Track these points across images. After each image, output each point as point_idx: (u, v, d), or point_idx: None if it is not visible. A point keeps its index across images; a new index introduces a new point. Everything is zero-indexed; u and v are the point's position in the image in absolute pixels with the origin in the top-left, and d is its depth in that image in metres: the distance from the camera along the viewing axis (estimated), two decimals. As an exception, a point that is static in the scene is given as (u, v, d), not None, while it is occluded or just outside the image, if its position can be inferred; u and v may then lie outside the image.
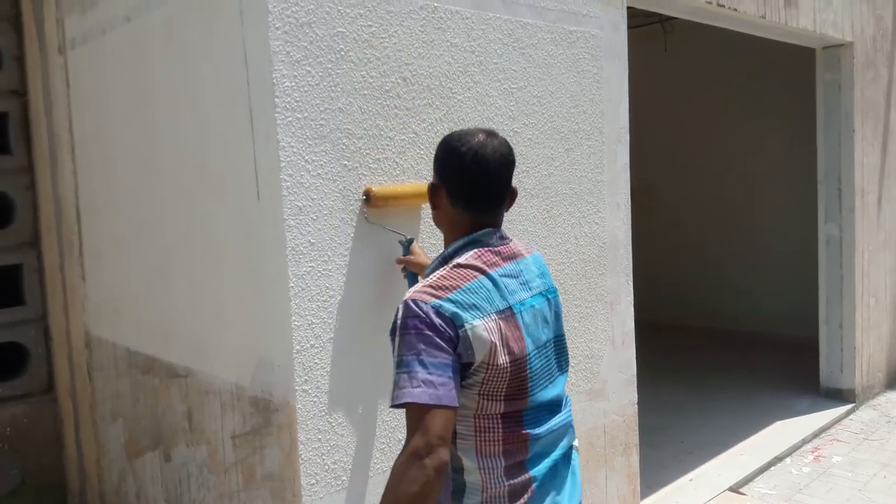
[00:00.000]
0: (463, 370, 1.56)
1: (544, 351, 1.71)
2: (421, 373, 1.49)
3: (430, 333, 1.51)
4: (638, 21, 6.98)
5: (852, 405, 5.37)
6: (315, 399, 2.37)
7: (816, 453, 4.63)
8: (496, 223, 1.74)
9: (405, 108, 2.57)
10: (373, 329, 2.51)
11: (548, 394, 1.70)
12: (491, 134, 1.71)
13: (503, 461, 1.62)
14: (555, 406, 1.73)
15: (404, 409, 1.52)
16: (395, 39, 2.54)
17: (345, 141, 2.42)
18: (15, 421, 3.69)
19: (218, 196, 2.57)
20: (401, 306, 1.58)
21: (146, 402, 3.13)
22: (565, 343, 1.81)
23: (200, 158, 2.63)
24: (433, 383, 1.48)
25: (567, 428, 1.76)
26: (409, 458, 1.45)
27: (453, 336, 1.53)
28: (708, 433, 4.91)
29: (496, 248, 1.69)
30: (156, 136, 2.87)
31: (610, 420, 3.45)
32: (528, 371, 1.64)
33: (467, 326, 1.54)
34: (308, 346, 2.34)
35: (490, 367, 1.58)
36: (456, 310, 1.55)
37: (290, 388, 2.33)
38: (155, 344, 3.04)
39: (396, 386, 1.51)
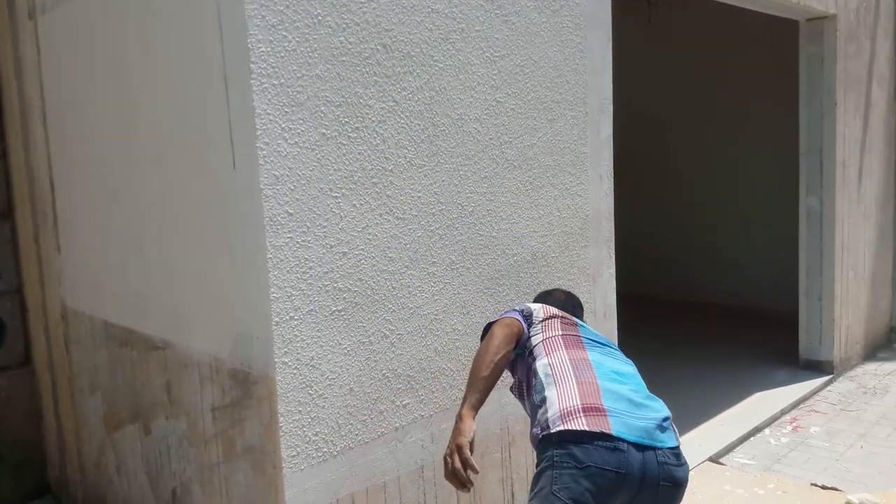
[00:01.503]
0: (531, 325, 2.35)
1: (596, 338, 2.39)
2: (503, 317, 2.38)
3: (510, 311, 2.44)
4: (622, -8, 6.90)
5: (830, 377, 5.43)
6: (295, 371, 2.34)
7: (795, 424, 4.69)
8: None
9: (385, 76, 2.52)
10: (353, 300, 2.49)
11: (603, 360, 2.25)
12: None
13: (578, 397, 2.05)
14: (629, 379, 2.23)
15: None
16: (375, 4, 2.48)
17: (323, 108, 2.37)
18: (-9, 395, 3.65)
19: (193, 165, 2.51)
20: None
21: (124, 374, 3.10)
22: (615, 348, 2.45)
23: (175, 126, 2.57)
24: (504, 315, 2.40)
25: (660, 421, 2.09)
26: (496, 325, 2.31)
27: (523, 309, 2.39)
28: (688, 404, 4.94)
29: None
30: (129, 104, 2.80)
31: (591, 391, 3.46)
32: (580, 333, 2.35)
33: (529, 306, 2.42)
34: (287, 317, 2.31)
35: (547, 318, 2.35)
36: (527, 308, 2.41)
37: (269, 360, 2.31)
38: (132, 316, 3.00)
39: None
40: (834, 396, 5.16)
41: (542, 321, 2.31)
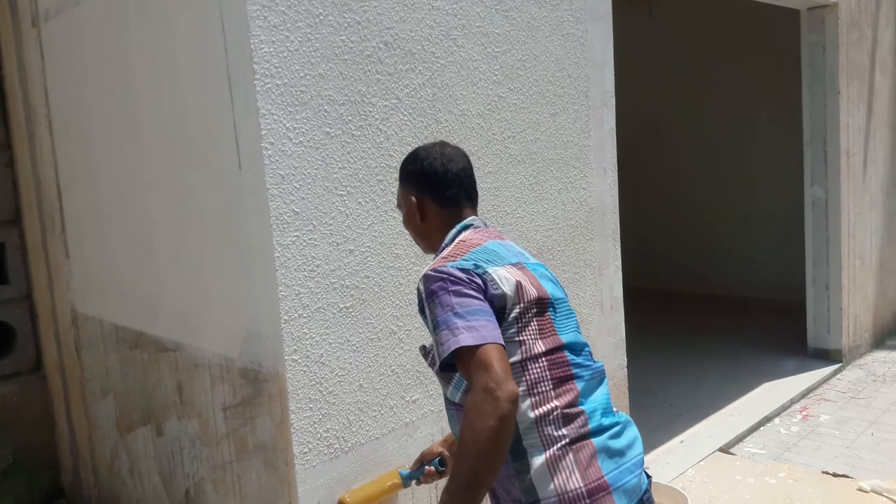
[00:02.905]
0: (498, 319, 1.58)
1: (564, 306, 1.73)
2: (459, 323, 1.51)
3: (457, 287, 1.56)
4: (622, -15, 6.90)
5: (839, 365, 5.42)
6: (305, 368, 2.36)
7: (804, 413, 4.69)
8: (476, 214, 1.86)
9: (387, 74, 2.54)
10: (360, 297, 2.50)
11: (574, 337, 1.70)
12: (444, 143, 1.88)
13: (558, 404, 1.60)
14: (587, 350, 1.73)
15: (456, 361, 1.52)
16: (375, 3, 2.49)
17: (326, 107, 2.38)
18: (4, 401, 3.68)
19: (199, 167, 2.53)
20: (420, 282, 1.62)
21: (136, 377, 3.12)
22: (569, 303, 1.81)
23: (180, 129, 2.59)
24: (474, 327, 1.51)
25: (603, 373, 1.76)
26: (481, 396, 1.44)
27: (480, 283, 1.58)
28: (697, 395, 4.95)
29: (486, 231, 1.79)
30: (134, 107, 2.82)
31: (600, 384, 3.46)
32: (549, 314, 1.66)
33: (490, 271, 1.61)
34: (296, 315, 2.33)
35: (522, 302, 1.61)
36: (475, 261, 1.62)
37: (279, 358, 2.33)
38: (142, 319, 3.02)
39: (439, 343, 1.53)
40: (843, 385, 5.15)
41: (515, 317, 1.61)
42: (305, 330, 2.36)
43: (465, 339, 1.48)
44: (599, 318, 3.46)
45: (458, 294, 1.55)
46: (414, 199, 1.83)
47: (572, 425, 1.59)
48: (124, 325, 3.15)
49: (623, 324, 3.61)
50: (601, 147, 3.42)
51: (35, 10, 3.35)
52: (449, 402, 1.72)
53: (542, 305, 1.65)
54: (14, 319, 3.75)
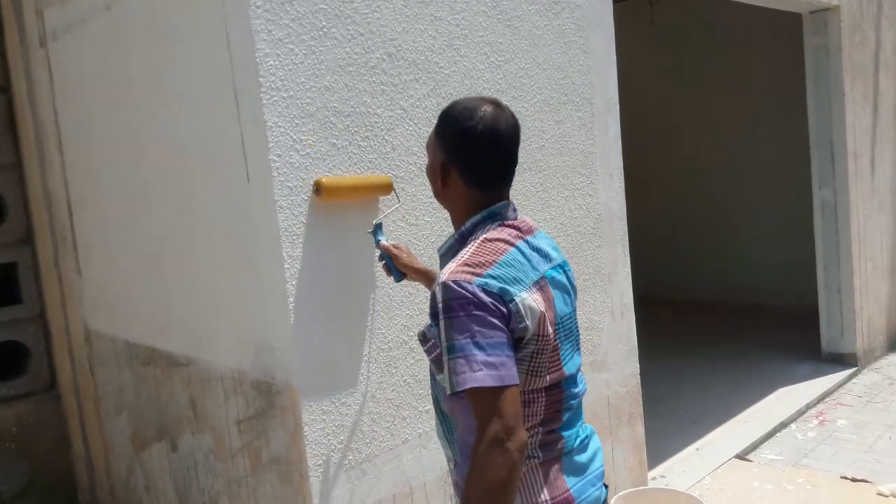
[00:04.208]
0: (514, 345, 1.51)
1: (568, 323, 1.68)
2: (479, 355, 1.43)
3: (480, 313, 1.45)
4: (624, -5, 6.93)
5: (854, 369, 5.38)
6: (317, 379, 2.36)
7: (821, 418, 4.65)
8: (507, 196, 1.68)
9: (392, 84, 2.55)
10: (371, 307, 2.50)
11: (575, 364, 1.68)
12: (497, 105, 1.63)
13: (541, 430, 1.60)
14: (579, 376, 1.72)
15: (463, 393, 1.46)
16: (378, 14, 2.52)
17: (332, 119, 2.40)
18: (20, 420, 3.69)
19: (208, 181, 2.55)
20: (439, 288, 1.50)
21: (149, 393, 3.13)
22: (576, 318, 1.77)
23: (187, 143, 2.61)
24: (494, 364, 1.43)
25: (584, 392, 1.74)
26: (491, 445, 1.40)
27: (505, 312, 1.47)
28: (712, 402, 4.92)
29: (515, 223, 1.63)
30: (141, 124, 2.85)
31: (613, 391, 3.45)
32: (558, 341, 1.60)
33: (517, 299, 1.49)
34: (307, 326, 2.33)
35: (541, 338, 1.53)
36: (502, 285, 1.48)
37: (290, 369, 2.33)
38: (154, 334, 3.04)
39: (454, 372, 1.44)
40: (859, 388, 5.11)
41: (530, 351, 1.55)
42: (317, 341, 2.36)
43: (484, 379, 1.41)
44: (610, 325, 3.45)
45: (481, 322, 1.44)
46: (440, 162, 1.65)
47: (548, 448, 1.60)
48: (136, 342, 3.17)
49: (634, 330, 3.60)
50: (607, 153, 3.43)
51: (43, 29, 3.39)
52: (437, 391, 1.67)
53: (555, 336, 1.58)
54: (28, 338, 3.77)
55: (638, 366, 3.60)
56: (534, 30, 3.06)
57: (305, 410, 2.33)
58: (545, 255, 1.64)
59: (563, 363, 1.61)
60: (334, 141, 2.40)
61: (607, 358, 3.43)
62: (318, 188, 2.32)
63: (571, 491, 1.59)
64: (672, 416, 4.71)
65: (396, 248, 2.28)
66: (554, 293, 1.61)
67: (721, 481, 3.83)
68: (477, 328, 1.44)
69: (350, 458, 2.46)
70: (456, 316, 1.45)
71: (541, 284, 1.57)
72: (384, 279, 2.53)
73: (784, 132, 6.99)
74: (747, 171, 7.45)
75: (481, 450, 1.40)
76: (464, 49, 2.79)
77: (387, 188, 2.48)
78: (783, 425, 4.54)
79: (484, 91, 2.85)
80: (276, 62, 2.25)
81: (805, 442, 4.29)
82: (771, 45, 6.95)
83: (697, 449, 4.24)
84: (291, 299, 2.30)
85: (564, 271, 1.70)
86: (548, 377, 1.58)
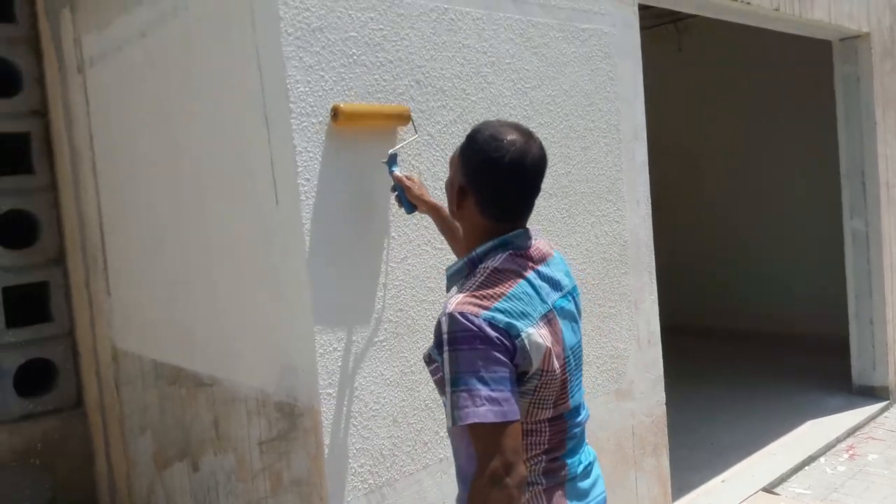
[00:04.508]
0: (518, 378, 1.50)
1: (576, 352, 1.66)
2: (483, 390, 1.42)
3: (485, 347, 1.44)
4: (650, 22, 6.96)
5: (886, 402, 5.26)
6: (339, 402, 2.36)
7: (851, 452, 4.54)
8: (524, 224, 1.65)
9: (419, 111, 2.58)
10: (394, 330, 2.51)
11: (581, 394, 1.68)
12: (526, 135, 1.59)
13: (545, 458, 1.60)
14: (582, 403, 1.72)
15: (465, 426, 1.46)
16: (407, 42, 2.55)
17: (361, 144, 2.42)
18: (45, 436, 3.74)
19: (237, 203, 2.59)
20: (445, 318, 1.48)
21: (173, 412, 3.15)
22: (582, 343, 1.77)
23: (218, 167, 2.66)
24: (497, 400, 1.42)
25: (585, 423, 1.74)
26: (490, 481, 1.40)
27: (510, 347, 1.46)
28: (738, 434, 4.83)
29: (528, 252, 1.61)
30: (174, 148, 2.90)
31: (638, 421, 3.41)
32: (567, 374, 1.59)
33: (523, 335, 1.48)
34: (331, 349, 2.34)
35: (545, 372, 1.53)
36: (509, 319, 1.47)
37: (314, 392, 2.33)
38: (180, 354, 3.07)
39: (456, 406, 1.44)
40: (891, 423, 4.99)
41: (533, 386, 1.54)
42: (340, 364, 2.37)
43: (486, 415, 1.41)
44: (636, 354, 3.42)
45: (486, 357, 1.43)
46: (459, 185, 1.61)
47: (551, 476, 1.59)
48: (163, 361, 3.20)
49: (661, 359, 3.56)
50: (633, 180, 3.42)
51: (81, 56, 3.49)
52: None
53: (564, 370, 1.58)
54: (56, 356, 3.83)
55: (664, 395, 3.56)
56: (561, 57, 3.08)
57: (327, 433, 2.33)
58: (556, 284, 1.63)
59: (570, 395, 1.61)
60: (362, 166, 2.42)
61: (633, 387, 3.39)
62: (336, 113, 2.30)
63: None
64: (698, 447, 4.63)
65: (409, 179, 2.34)
66: (562, 324, 1.60)
67: (748, 515, 3.75)
68: (481, 363, 1.44)
69: (371, 481, 2.45)
70: (461, 349, 1.45)
71: (549, 318, 1.56)
72: (407, 302, 2.54)
73: (814, 160, 6.92)
74: (778, 199, 7.37)
75: (480, 484, 1.41)
76: (491, 76, 2.81)
77: (405, 118, 2.48)
78: (812, 458, 4.44)
79: (510, 118, 2.87)
80: (307, 88, 2.29)
81: (835, 476, 4.19)
82: (801, 73, 6.90)
83: (723, 481, 4.16)
84: (317, 322, 2.31)
85: (573, 298, 1.69)
86: (551, 410, 1.57)
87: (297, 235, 2.31)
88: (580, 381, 1.69)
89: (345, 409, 2.38)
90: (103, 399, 3.75)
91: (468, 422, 1.43)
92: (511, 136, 1.56)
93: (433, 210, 2.30)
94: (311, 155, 2.30)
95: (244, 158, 2.50)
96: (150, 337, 3.29)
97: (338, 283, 2.36)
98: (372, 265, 2.45)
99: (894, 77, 5.51)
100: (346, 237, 2.39)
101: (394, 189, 2.38)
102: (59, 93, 3.72)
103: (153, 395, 3.30)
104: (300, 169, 2.28)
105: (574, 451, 1.65)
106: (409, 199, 2.33)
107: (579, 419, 1.67)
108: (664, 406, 3.55)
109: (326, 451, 2.33)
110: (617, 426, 3.30)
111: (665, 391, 3.56)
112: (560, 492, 1.60)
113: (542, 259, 1.63)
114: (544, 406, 1.56)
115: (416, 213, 2.40)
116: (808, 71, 6.75)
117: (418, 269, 2.58)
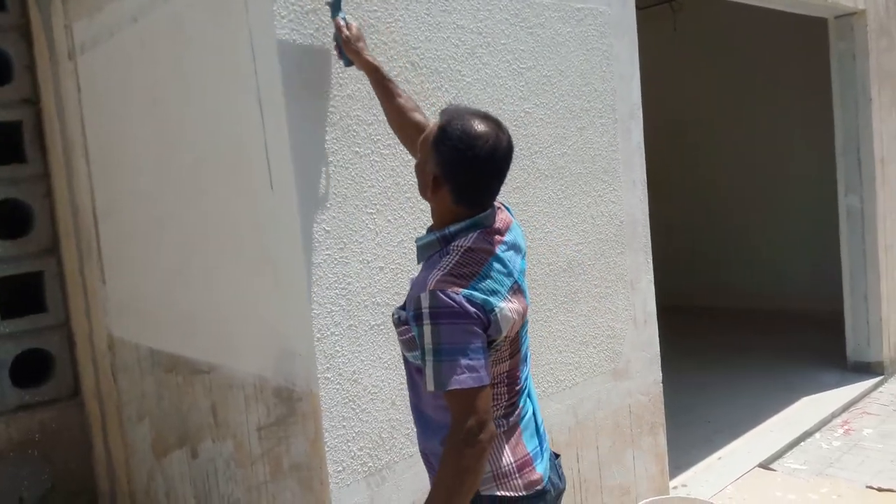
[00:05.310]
0: (488, 345, 1.68)
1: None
2: (463, 360, 1.60)
3: (465, 322, 1.61)
4: (646, 2, 6.91)
5: (881, 378, 5.30)
6: (338, 386, 2.37)
7: (846, 427, 4.58)
8: (492, 204, 1.78)
9: (414, 93, 2.56)
10: (391, 314, 2.50)
11: (528, 341, 1.88)
12: (496, 126, 1.70)
13: (504, 404, 1.78)
14: (527, 346, 1.89)
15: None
16: (402, 24, 2.53)
17: (355, 127, 2.41)
18: (43, 426, 3.73)
19: (232, 189, 2.57)
20: (425, 295, 1.63)
21: (171, 400, 3.15)
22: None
23: (212, 152, 2.64)
24: (474, 367, 1.61)
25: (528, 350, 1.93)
26: (466, 438, 1.59)
27: (486, 321, 1.64)
28: (735, 411, 4.86)
29: (495, 227, 1.75)
30: (167, 133, 2.88)
31: (635, 400, 3.43)
32: (524, 329, 1.82)
33: (497, 310, 1.65)
34: (328, 333, 2.34)
35: (508, 338, 1.72)
36: (485, 296, 1.64)
37: (312, 376, 2.33)
38: (177, 341, 3.06)
39: (439, 373, 1.61)
40: (886, 398, 5.03)
41: (497, 346, 1.71)
42: (338, 348, 2.37)
43: (466, 381, 1.59)
44: (633, 333, 3.42)
45: (465, 330, 1.61)
46: (433, 175, 1.70)
47: (510, 418, 1.79)
48: (159, 349, 3.19)
49: (657, 338, 3.57)
50: (630, 160, 3.41)
51: (71, 44, 3.44)
52: (410, 368, 1.83)
53: (521, 326, 1.77)
54: (52, 346, 3.81)
55: (660, 374, 3.57)
56: (556, 37, 3.05)
57: (326, 417, 2.33)
58: (517, 248, 1.81)
59: (520, 345, 1.81)
60: (357, 149, 2.41)
61: (629, 366, 3.40)
62: None
63: (531, 453, 1.80)
64: (694, 424, 4.65)
65: (349, 29, 2.24)
66: (523, 285, 1.80)
67: (743, 491, 3.78)
68: (461, 335, 1.61)
69: (370, 464, 2.46)
70: (442, 323, 1.61)
71: (514, 289, 1.74)
72: (404, 286, 2.54)
73: (810, 138, 6.92)
74: (772, 177, 7.38)
75: (458, 440, 1.60)
76: (486, 57, 2.79)
77: None
78: (807, 434, 4.48)
79: (505, 99, 2.85)
80: (301, 71, 2.27)
81: (830, 451, 4.23)
82: (796, 50, 6.88)
83: (720, 458, 4.19)
84: (314, 306, 2.31)
85: (523, 251, 1.86)
86: (508, 362, 1.76)
87: (292, 219, 2.30)
88: (527, 331, 1.88)
89: (343, 392, 2.38)
90: (100, 388, 3.74)
91: (452, 388, 1.60)
92: (482, 129, 1.67)
93: (371, 71, 2.24)
94: (305, 138, 2.28)
95: (238, 143, 2.48)
96: (146, 324, 3.28)
97: (334, 267, 2.36)
98: (368, 249, 2.45)
99: (890, 54, 5.50)
100: (342, 222, 2.37)
101: (335, 38, 2.25)
102: (50, 80, 3.68)
103: (150, 382, 3.30)
104: (294, 152, 2.26)
105: (525, 394, 1.86)
106: (346, 52, 2.21)
107: (527, 366, 1.87)
108: (661, 385, 3.57)
109: (325, 435, 2.33)
110: (614, 405, 3.31)
111: (661, 370, 3.58)
112: (517, 433, 1.80)
113: (507, 226, 1.79)
114: (502, 360, 1.75)
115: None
116: (803, 49, 6.73)
117: (415, 252, 2.56)
